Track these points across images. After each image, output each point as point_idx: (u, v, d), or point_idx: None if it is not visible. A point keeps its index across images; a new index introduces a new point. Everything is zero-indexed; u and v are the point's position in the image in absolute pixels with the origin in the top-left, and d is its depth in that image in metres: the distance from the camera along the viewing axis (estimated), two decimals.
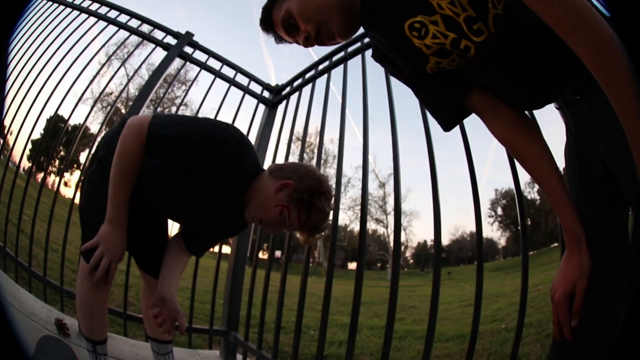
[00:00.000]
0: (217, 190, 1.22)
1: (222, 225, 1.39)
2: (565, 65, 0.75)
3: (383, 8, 0.85)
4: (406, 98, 2.05)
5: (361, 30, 0.99)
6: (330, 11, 0.89)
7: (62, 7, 2.83)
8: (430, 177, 1.46)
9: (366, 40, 1.99)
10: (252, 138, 2.74)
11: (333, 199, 1.30)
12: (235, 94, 2.81)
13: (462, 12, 0.74)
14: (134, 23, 2.73)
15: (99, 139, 1.47)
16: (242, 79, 2.86)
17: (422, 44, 0.81)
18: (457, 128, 1.40)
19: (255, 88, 2.90)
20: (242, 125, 2.49)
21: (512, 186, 1.34)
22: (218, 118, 2.44)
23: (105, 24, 2.72)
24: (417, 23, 0.79)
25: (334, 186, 1.41)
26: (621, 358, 0.53)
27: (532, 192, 34.22)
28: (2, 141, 2.94)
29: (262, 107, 2.87)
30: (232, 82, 2.79)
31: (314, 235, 1.28)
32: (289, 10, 0.92)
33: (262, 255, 2.42)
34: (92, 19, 2.74)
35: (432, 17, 0.77)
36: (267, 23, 1.02)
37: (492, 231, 41.25)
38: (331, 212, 1.28)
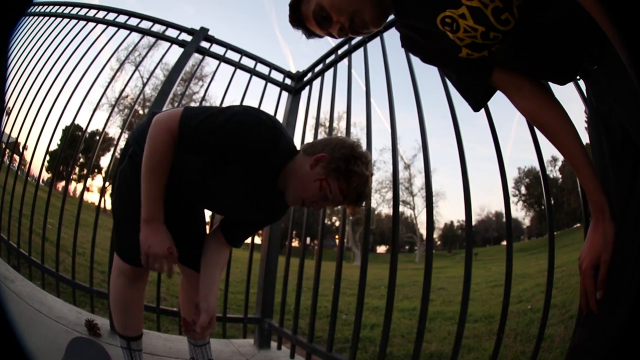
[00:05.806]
0: (251, 177, 1.22)
1: (259, 211, 1.38)
2: (584, 38, 0.76)
3: (413, 3, 0.87)
4: (427, 78, 2.03)
5: None
6: (362, 1, 0.90)
7: (66, 20, 2.93)
8: (459, 159, 1.45)
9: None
10: None
11: (370, 162, 1.27)
12: (257, 83, 2.81)
13: (490, 2, 0.76)
14: (145, 25, 2.75)
15: (117, 141, 1.48)
16: (262, 69, 2.86)
17: (455, 37, 0.84)
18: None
19: (277, 76, 2.90)
20: None
21: (535, 164, 1.34)
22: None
23: (116, 29, 2.77)
24: (448, 18, 0.81)
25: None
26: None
27: (554, 171, 33.31)
28: (18, 158, 3.04)
29: (285, 94, 2.88)
30: (253, 72, 2.80)
31: (360, 203, 1.26)
32: (320, 3, 0.94)
33: (293, 243, 2.45)
34: (101, 26, 2.80)
35: (459, 10, 0.79)
36: (297, 19, 1.04)
37: (517, 211, 40.03)
38: (371, 176, 1.25)
